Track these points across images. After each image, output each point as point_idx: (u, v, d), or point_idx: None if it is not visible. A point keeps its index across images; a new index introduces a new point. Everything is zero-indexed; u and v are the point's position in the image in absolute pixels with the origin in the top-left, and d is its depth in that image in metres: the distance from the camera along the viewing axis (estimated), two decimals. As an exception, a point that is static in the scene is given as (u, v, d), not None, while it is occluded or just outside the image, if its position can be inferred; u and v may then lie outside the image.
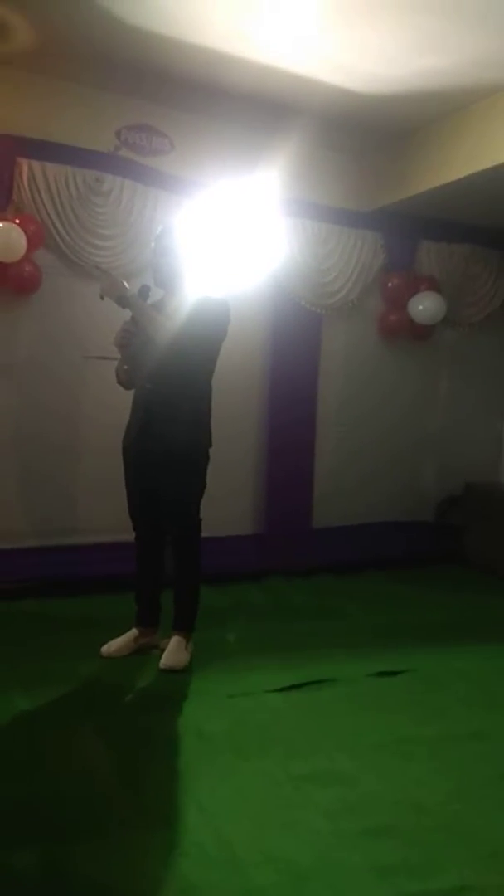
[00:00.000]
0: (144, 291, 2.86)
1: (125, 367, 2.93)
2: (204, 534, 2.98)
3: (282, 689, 2.72)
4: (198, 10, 3.08)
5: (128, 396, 2.99)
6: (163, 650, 2.89)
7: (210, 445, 2.92)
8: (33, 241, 3.56)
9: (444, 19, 3.04)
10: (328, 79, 3.65)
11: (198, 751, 2.29)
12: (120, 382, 2.99)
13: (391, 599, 4.05)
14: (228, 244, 3.93)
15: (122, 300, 2.82)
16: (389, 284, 4.67)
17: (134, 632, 3.00)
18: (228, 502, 4.00)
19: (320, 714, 2.58)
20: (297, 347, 4.41)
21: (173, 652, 2.86)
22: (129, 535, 3.03)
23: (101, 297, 2.83)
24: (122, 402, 2.99)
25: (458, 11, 2.99)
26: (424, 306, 4.62)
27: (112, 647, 2.95)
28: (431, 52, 3.33)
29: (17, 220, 3.53)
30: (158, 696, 2.68)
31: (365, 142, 4.41)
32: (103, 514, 3.63)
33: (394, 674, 2.94)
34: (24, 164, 3.61)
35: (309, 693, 2.73)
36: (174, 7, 3.05)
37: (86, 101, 3.82)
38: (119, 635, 2.99)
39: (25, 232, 3.50)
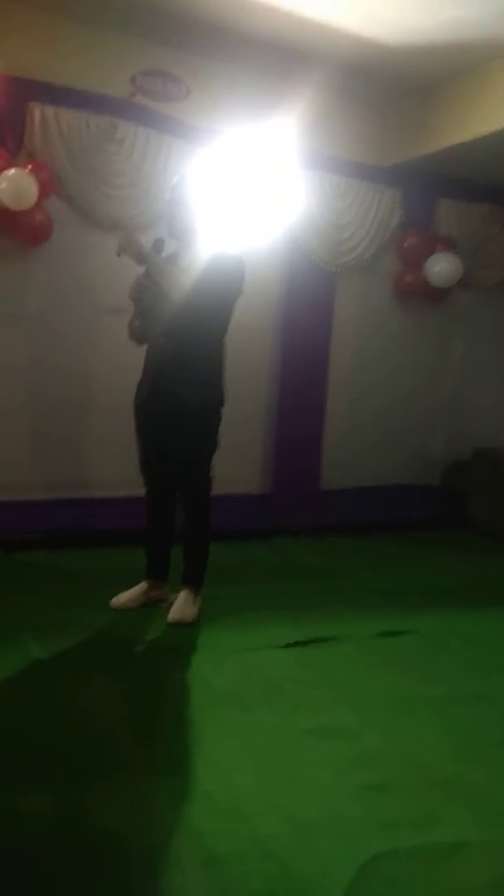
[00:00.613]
0: (159, 244, 2.81)
1: (137, 321, 2.89)
2: (215, 492, 2.98)
3: (288, 646, 2.76)
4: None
5: (140, 351, 2.96)
6: (171, 604, 2.93)
7: (223, 405, 2.90)
8: (45, 189, 3.48)
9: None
10: (350, 27, 3.52)
11: (205, 703, 2.33)
12: (132, 337, 2.95)
13: (397, 561, 4.08)
14: (244, 195, 3.84)
15: (140, 257, 2.76)
16: (406, 243, 4.57)
17: (143, 585, 3.04)
18: (237, 461, 3.99)
19: (325, 671, 2.62)
20: (310, 306, 4.35)
21: (182, 606, 2.89)
22: (140, 490, 3.04)
23: (118, 255, 2.77)
24: (133, 357, 2.96)
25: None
26: (441, 267, 4.53)
27: (122, 599, 2.99)
28: (457, 2, 3.19)
29: (29, 167, 3.45)
30: (167, 649, 2.72)
31: (386, 94, 4.28)
32: (114, 468, 3.63)
33: (399, 634, 2.97)
34: (37, 109, 3.51)
35: (314, 650, 2.77)
36: None
37: (101, 44, 3.69)
38: (129, 588, 3.03)
39: (37, 179, 3.42)
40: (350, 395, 4.63)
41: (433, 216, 4.66)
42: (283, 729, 2.20)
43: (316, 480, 4.53)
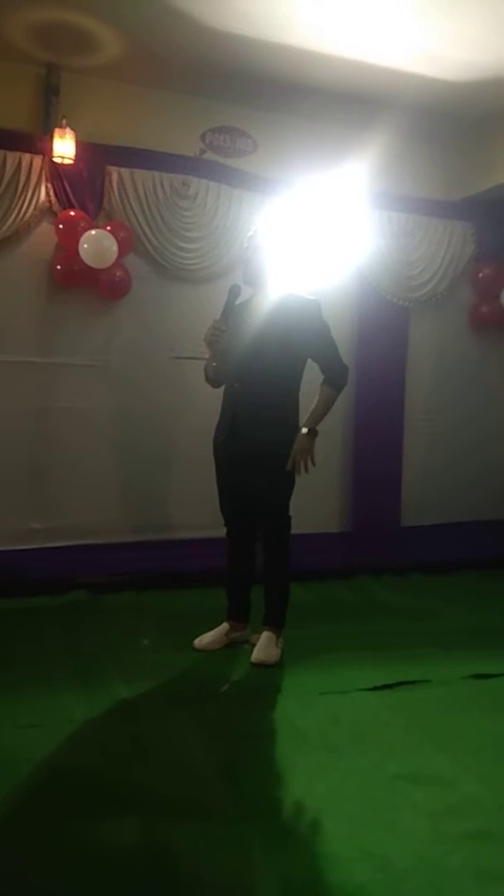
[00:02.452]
0: (235, 290, 2.89)
1: (214, 364, 2.97)
2: (292, 531, 2.98)
3: (375, 688, 2.69)
4: (282, 10, 3.10)
5: (218, 395, 3.03)
6: (253, 645, 2.92)
7: (298, 444, 2.92)
8: (123, 247, 3.66)
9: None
10: (415, 69, 3.59)
11: (292, 746, 2.30)
12: (208, 380, 3.03)
13: (483, 599, 3.93)
14: (315, 240, 3.92)
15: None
16: (480, 275, 4.53)
17: (225, 626, 3.05)
18: (316, 499, 3.97)
19: (415, 714, 2.54)
20: (383, 342, 4.34)
21: (264, 647, 2.88)
22: (221, 531, 3.08)
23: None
24: (214, 400, 3.04)
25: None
26: (518, 296, 4.46)
27: (204, 640, 3.00)
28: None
29: (109, 227, 3.64)
30: (251, 691, 2.70)
31: (453, 130, 4.31)
32: (196, 510, 3.69)
33: (491, 676, 2.85)
34: (114, 172, 3.72)
35: (402, 693, 2.69)
36: (257, 8, 3.08)
37: (171, 106, 3.90)
38: (211, 629, 3.04)
39: (116, 238, 3.61)
40: (428, 431, 4.56)
41: (506, 246, 4.61)
42: (373, 774, 2.14)
43: (396, 517, 4.46)
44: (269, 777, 2.13)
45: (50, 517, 3.72)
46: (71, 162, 3.58)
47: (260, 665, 2.83)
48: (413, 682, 2.76)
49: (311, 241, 3.91)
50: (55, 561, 3.65)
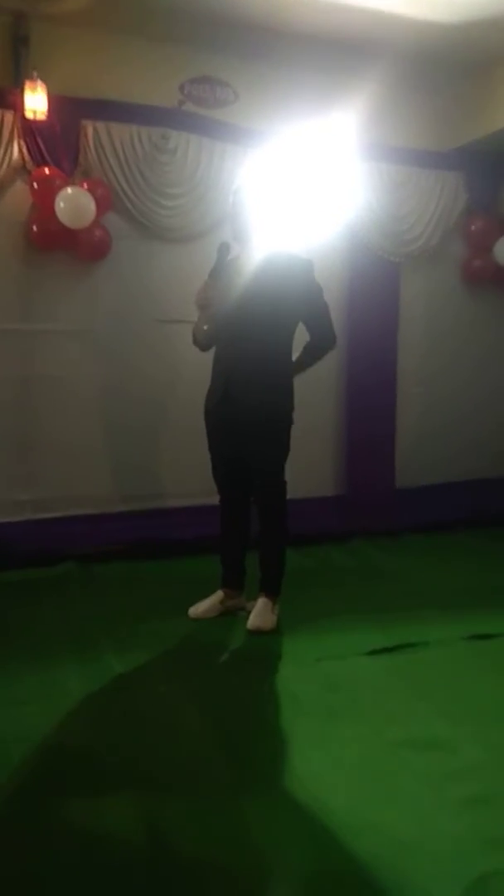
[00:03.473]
0: (224, 249, 2.79)
1: (205, 327, 2.86)
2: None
3: (374, 652, 2.65)
4: None
5: (205, 359, 2.93)
6: (249, 612, 2.88)
7: (293, 409, 2.86)
8: (102, 205, 3.52)
9: None
10: (403, 10, 3.42)
11: (291, 714, 2.26)
12: (196, 343, 2.93)
13: (482, 559, 3.90)
14: (302, 193, 3.78)
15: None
16: (472, 227, 4.40)
17: (220, 593, 3.00)
18: (310, 464, 3.91)
19: (415, 678, 2.50)
20: (374, 300, 4.22)
21: (261, 613, 2.84)
22: (214, 498, 3.02)
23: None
24: (202, 364, 2.95)
25: None
26: (513, 249, 4.34)
27: (199, 608, 2.96)
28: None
29: (86, 185, 3.49)
30: (248, 658, 2.67)
31: (443, 76, 4.13)
32: (188, 477, 3.62)
33: (490, 637, 2.82)
34: (90, 126, 3.55)
35: (401, 656, 2.65)
36: None
37: (146, 55, 3.71)
38: (206, 597, 3.00)
39: (94, 196, 3.46)
40: (420, 390, 4.47)
41: (499, 198, 4.47)
42: (374, 741, 2.10)
43: (391, 479, 4.39)
44: (268, 747, 2.09)
45: (37, 488, 3.63)
46: (44, 117, 3.41)
47: (256, 632, 2.80)
48: (412, 645, 2.72)
49: (298, 194, 3.76)
50: (44, 533, 3.58)
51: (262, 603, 2.87)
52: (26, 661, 2.57)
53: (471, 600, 3.23)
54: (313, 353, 2.90)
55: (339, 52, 3.79)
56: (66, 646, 2.69)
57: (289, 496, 2.92)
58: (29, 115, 3.39)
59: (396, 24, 3.52)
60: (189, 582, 3.25)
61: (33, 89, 3.39)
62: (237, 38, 3.67)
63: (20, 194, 3.49)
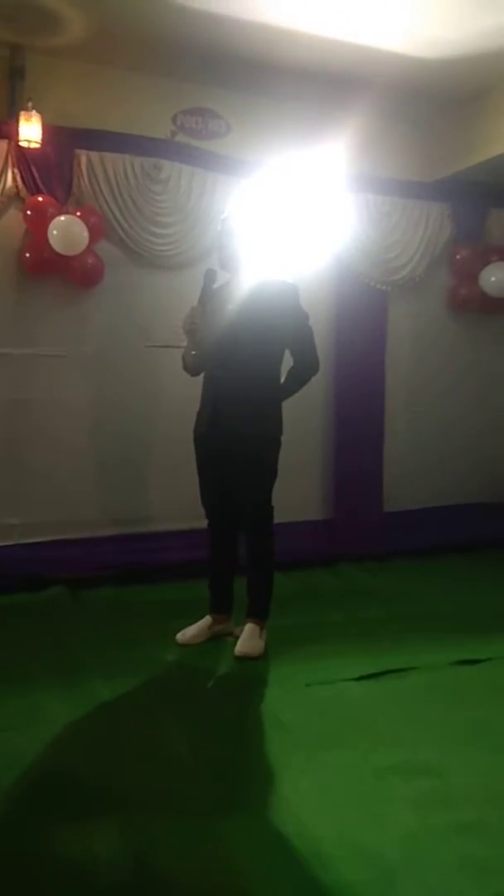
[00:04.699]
0: (211, 275, 2.83)
1: (193, 352, 2.90)
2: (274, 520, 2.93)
3: (361, 678, 2.65)
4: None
5: (195, 384, 2.96)
6: (237, 637, 2.88)
7: (281, 434, 2.88)
8: (95, 233, 3.56)
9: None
10: (390, 47, 3.52)
11: (278, 740, 2.26)
12: (186, 369, 2.96)
13: (469, 583, 3.92)
14: (290, 223, 3.85)
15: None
16: (458, 256, 4.48)
17: (208, 619, 3.00)
18: (297, 487, 3.92)
19: (402, 704, 2.50)
20: (362, 327, 4.28)
21: (248, 639, 2.84)
22: (202, 522, 3.03)
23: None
24: (191, 389, 2.98)
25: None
26: (497, 278, 4.41)
27: (187, 634, 2.95)
28: (495, 9, 3.15)
29: (79, 213, 3.54)
30: (236, 684, 2.66)
31: (428, 109, 4.25)
32: (177, 501, 3.62)
33: (477, 662, 2.83)
34: (83, 156, 3.61)
35: (388, 682, 2.65)
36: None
37: (140, 87, 3.80)
38: (194, 621, 2.99)
39: (87, 224, 3.50)
40: (409, 415, 4.52)
41: (484, 227, 4.57)
42: (361, 767, 2.10)
43: (379, 503, 4.42)
44: (256, 773, 2.08)
45: (26, 512, 3.62)
46: (38, 146, 3.46)
47: (244, 657, 2.79)
48: (399, 671, 2.72)
49: (287, 223, 3.83)
50: (33, 557, 3.56)
51: (249, 628, 2.87)
52: (11, 686, 2.55)
53: (458, 625, 3.24)
54: (297, 378, 2.93)
55: (327, 86, 3.89)
56: (53, 671, 2.67)
57: (276, 520, 2.93)
58: (23, 144, 3.44)
59: (383, 59, 3.63)
60: (177, 606, 3.25)
61: (28, 119, 3.44)
62: (229, 71, 3.76)
63: (13, 221, 3.53)
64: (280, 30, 3.35)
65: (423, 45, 3.50)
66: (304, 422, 3.97)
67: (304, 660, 2.81)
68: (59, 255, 3.48)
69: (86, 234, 3.49)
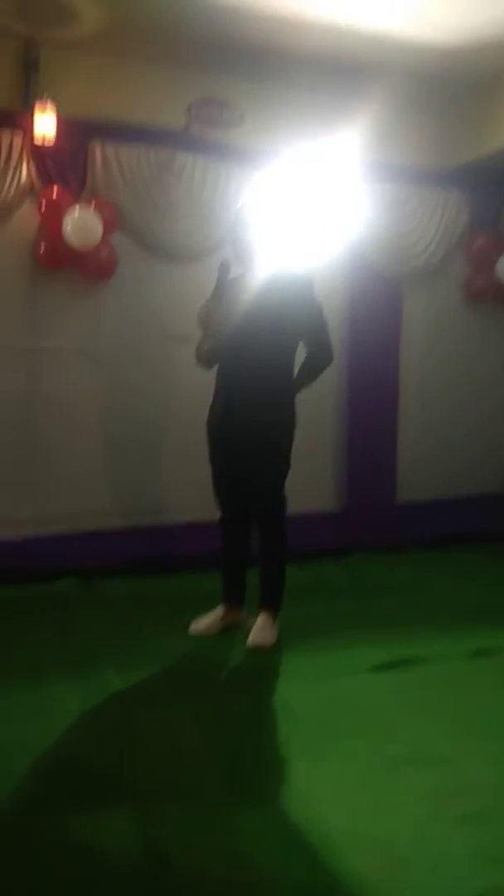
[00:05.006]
0: (225, 267, 2.82)
1: (206, 345, 2.90)
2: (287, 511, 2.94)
3: (374, 669, 2.66)
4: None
5: (208, 377, 2.97)
6: (250, 628, 2.89)
7: (294, 426, 2.88)
8: (109, 226, 3.57)
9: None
10: (405, 34, 3.47)
11: (290, 731, 2.27)
12: (199, 361, 2.96)
13: (483, 574, 3.90)
14: (306, 213, 3.83)
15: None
16: (474, 245, 4.44)
17: (220, 609, 3.01)
18: (310, 478, 3.93)
19: (414, 695, 2.51)
20: (376, 318, 4.26)
21: (261, 630, 2.85)
22: (215, 514, 3.03)
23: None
24: (204, 383, 2.98)
25: None
26: (515, 267, 4.37)
27: (200, 625, 2.97)
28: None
29: (93, 206, 3.55)
30: (248, 675, 2.67)
31: (445, 96, 4.19)
32: (189, 493, 3.63)
33: (491, 652, 2.82)
34: (97, 148, 3.62)
35: (401, 673, 2.66)
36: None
37: (154, 78, 3.78)
38: (207, 612, 3.01)
39: (101, 217, 3.51)
40: (423, 408, 4.49)
41: (501, 216, 4.52)
42: (374, 757, 2.11)
43: (392, 494, 4.41)
44: (268, 764, 2.10)
45: (38, 504, 3.66)
46: (52, 139, 3.47)
47: (257, 648, 2.80)
48: (413, 661, 2.73)
49: (302, 213, 3.81)
50: (44, 549, 3.59)
51: (262, 619, 2.88)
52: (25, 676, 2.58)
53: (472, 616, 3.23)
54: (311, 368, 2.91)
55: (342, 74, 3.85)
56: (65, 662, 2.70)
57: (289, 511, 2.93)
58: (38, 137, 3.45)
59: (397, 46, 3.58)
60: (190, 598, 3.26)
61: (43, 112, 3.45)
62: (243, 61, 3.73)
63: (28, 215, 3.55)
64: (293, 19, 3.32)
65: (438, 31, 3.45)
66: (317, 412, 3.96)
67: (317, 650, 2.82)
68: (72, 248, 3.49)
69: (100, 227, 3.50)
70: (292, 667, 2.69)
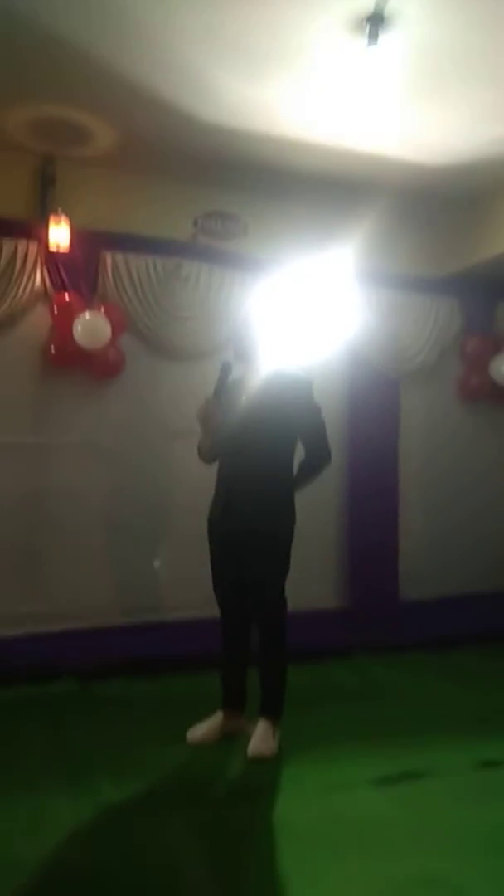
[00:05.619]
0: (227, 367, 2.89)
1: (206, 443, 2.96)
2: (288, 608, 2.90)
3: (377, 782, 2.57)
4: (267, 102, 3.23)
5: (209, 473, 3.01)
6: (249, 736, 2.81)
7: (294, 524, 2.88)
8: (117, 328, 3.72)
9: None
10: (399, 155, 3.72)
11: (291, 848, 2.17)
12: (202, 457, 3.01)
13: (491, 678, 3.81)
14: (306, 317, 3.99)
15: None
16: (468, 347, 4.60)
17: (220, 716, 2.93)
18: (312, 575, 3.92)
19: (420, 810, 2.41)
20: (375, 414, 4.37)
21: (261, 739, 2.77)
22: (214, 611, 3.00)
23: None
24: (207, 478, 3.01)
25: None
26: (507, 367, 4.52)
27: (198, 732, 2.89)
28: (495, 120, 3.35)
29: (103, 309, 3.70)
30: (247, 787, 2.58)
31: (436, 210, 4.44)
32: (189, 590, 3.61)
33: (497, 765, 2.73)
34: (109, 257, 3.81)
35: (406, 786, 2.56)
36: (243, 100, 3.21)
37: (163, 193, 4.02)
38: (205, 717, 2.93)
39: (110, 319, 3.66)
40: (424, 504, 4.53)
41: (494, 319, 4.70)
42: (377, 878, 2.02)
43: (395, 591, 4.38)
44: (268, 883, 2.00)
45: (38, 600, 3.63)
46: (66, 248, 3.66)
47: (256, 759, 2.72)
48: (418, 774, 2.64)
49: (302, 318, 3.97)
50: (43, 647, 3.54)
51: (262, 727, 2.80)
52: (18, 789, 2.49)
53: (480, 724, 3.15)
54: (310, 469, 2.95)
55: (340, 190, 4.10)
56: (59, 770, 2.61)
57: (290, 608, 2.89)
58: (52, 246, 3.64)
59: (390, 165, 3.83)
60: (188, 701, 3.18)
61: (57, 223, 3.66)
62: (247, 176, 3.98)
63: (40, 317, 3.71)
64: (294, 141, 3.58)
65: (427, 153, 3.69)
66: (318, 508, 3.99)
67: (319, 762, 2.73)
68: (82, 348, 3.62)
69: (109, 329, 3.64)
70: (293, 779, 2.60)
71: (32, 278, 3.65)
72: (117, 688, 3.47)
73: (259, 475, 2.82)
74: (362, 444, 4.32)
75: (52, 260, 3.69)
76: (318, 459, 2.94)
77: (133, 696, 3.41)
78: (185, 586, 3.73)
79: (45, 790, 2.47)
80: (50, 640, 3.58)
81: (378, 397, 4.38)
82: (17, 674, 3.41)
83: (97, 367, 3.74)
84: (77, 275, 3.73)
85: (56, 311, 3.66)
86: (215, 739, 2.87)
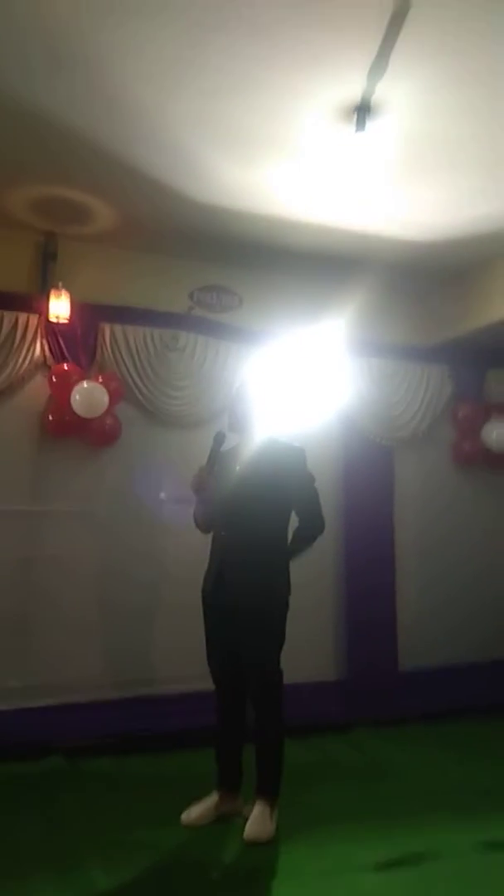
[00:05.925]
0: (220, 437, 2.92)
1: (199, 511, 2.96)
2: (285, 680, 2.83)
3: (378, 866, 2.46)
4: (260, 184, 3.37)
5: (204, 542, 3.00)
6: (246, 818, 2.70)
7: (288, 594, 2.85)
8: (115, 397, 3.77)
9: (487, 173, 3.22)
10: (387, 232, 3.86)
11: (290, 943, 2.07)
12: (198, 526, 3.00)
13: (495, 752, 3.70)
14: (299, 387, 4.05)
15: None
16: (460, 413, 4.66)
17: (215, 797, 2.83)
18: (309, 646, 3.85)
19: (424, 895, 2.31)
20: (370, 482, 4.38)
21: (258, 822, 2.66)
22: (209, 684, 2.92)
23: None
24: (198, 549, 3.00)
25: (498, 165, 3.16)
26: (498, 433, 4.57)
27: (192, 815, 2.77)
28: (480, 201, 3.50)
29: (100, 379, 3.76)
30: (244, 873, 2.46)
31: (423, 283, 4.58)
32: (183, 662, 3.53)
33: (503, 845, 2.62)
34: (107, 329, 3.90)
35: (410, 870, 2.46)
36: (237, 182, 3.35)
37: (160, 268, 4.15)
38: (200, 796, 2.82)
39: (107, 389, 3.72)
40: (421, 572, 4.49)
41: (484, 386, 4.78)
42: None
43: (394, 662, 4.29)
44: None
45: (29, 673, 3.54)
46: (66, 320, 3.75)
47: (253, 843, 2.60)
48: (420, 857, 2.53)
49: (296, 388, 4.04)
50: (33, 722, 3.43)
51: (259, 809, 2.69)
52: (4, 878, 2.37)
53: (484, 801, 3.04)
54: (303, 538, 2.93)
55: (331, 265, 4.24)
56: (48, 856, 2.50)
57: (287, 681, 2.82)
58: (52, 318, 3.73)
59: (381, 242, 3.97)
60: (182, 780, 3.08)
61: (58, 297, 3.76)
62: (241, 252, 4.12)
63: (39, 387, 3.76)
64: (287, 219, 3.72)
65: (414, 230, 3.84)
66: (313, 578, 3.95)
67: (318, 844, 2.63)
68: (80, 417, 3.66)
69: (106, 398, 3.69)
70: (291, 864, 2.49)
71: (32, 349, 3.73)
72: (109, 765, 3.36)
73: (252, 545, 2.80)
74: (358, 513, 4.31)
75: (51, 331, 3.77)
76: (311, 529, 2.93)
77: (125, 774, 3.29)
78: (179, 658, 3.65)
79: (34, 882, 2.35)
80: (40, 714, 3.47)
81: (372, 465, 4.41)
82: (6, 750, 3.30)
83: (94, 435, 3.77)
84: (76, 345, 3.81)
85: (55, 381, 3.71)
86: (210, 821, 2.76)
